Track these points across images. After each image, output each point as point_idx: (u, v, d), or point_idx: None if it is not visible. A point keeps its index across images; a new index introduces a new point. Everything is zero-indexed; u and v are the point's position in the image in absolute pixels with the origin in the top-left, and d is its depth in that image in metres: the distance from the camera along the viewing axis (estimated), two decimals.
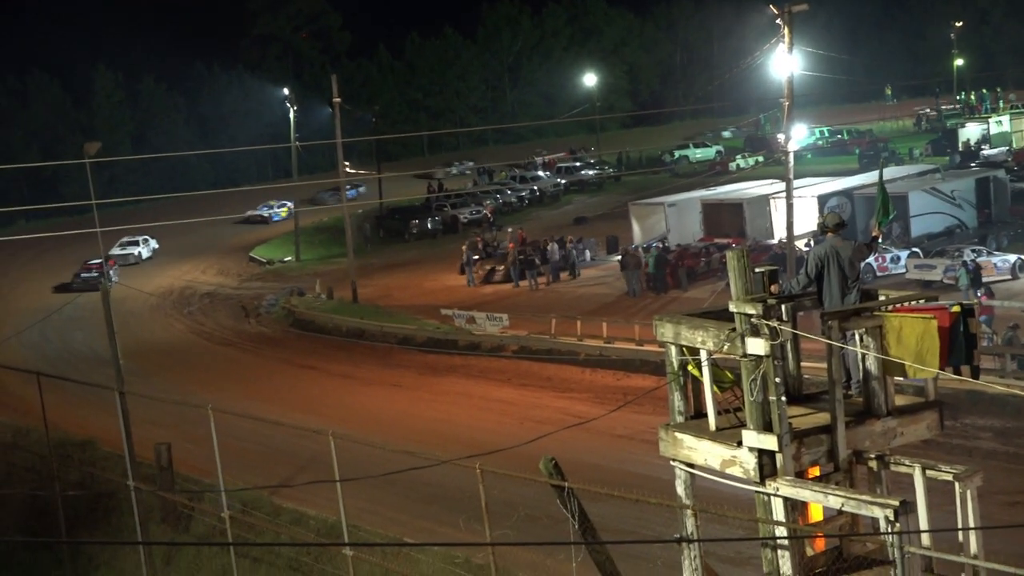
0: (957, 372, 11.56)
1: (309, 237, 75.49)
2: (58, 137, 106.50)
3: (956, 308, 11.46)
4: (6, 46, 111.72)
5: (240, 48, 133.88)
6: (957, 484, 10.69)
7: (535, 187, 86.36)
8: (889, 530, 9.75)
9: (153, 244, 75.50)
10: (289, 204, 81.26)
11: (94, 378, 30.21)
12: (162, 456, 23.80)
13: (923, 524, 10.40)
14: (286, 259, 72.03)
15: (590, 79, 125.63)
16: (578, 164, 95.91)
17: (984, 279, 40.20)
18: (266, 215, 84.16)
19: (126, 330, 34.73)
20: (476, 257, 59.37)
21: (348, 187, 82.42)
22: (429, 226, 75.20)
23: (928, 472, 10.80)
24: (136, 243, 73.38)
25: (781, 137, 45.54)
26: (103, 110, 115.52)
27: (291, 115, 75.62)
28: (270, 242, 77.28)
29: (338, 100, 60.11)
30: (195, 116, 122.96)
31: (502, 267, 56.78)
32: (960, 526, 10.67)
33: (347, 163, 66.57)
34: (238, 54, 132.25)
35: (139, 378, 36.40)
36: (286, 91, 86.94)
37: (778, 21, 38.88)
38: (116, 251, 70.87)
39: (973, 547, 10.64)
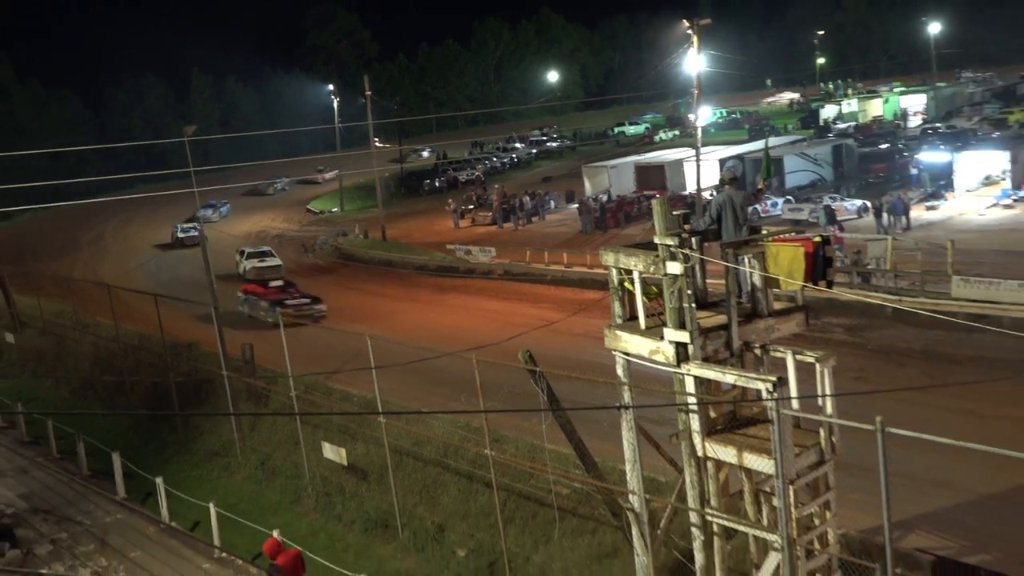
0: (817, 285, 11.57)
1: (350, 193, 74.84)
2: (165, 123, 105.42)
3: (817, 239, 11.42)
4: (127, 56, 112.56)
5: (296, 55, 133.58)
6: (817, 365, 10.74)
7: (514, 155, 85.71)
8: (769, 398, 9.80)
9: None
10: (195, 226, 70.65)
11: (196, 298, 30.01)
12: (246, 353, 23.89)
13: (793, 393, 10.48)
14: (333, 210, 71.50)
15: (553, 76, 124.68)
16: (544, 138, 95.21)
17: (838, 218, 40.29)
18: (194, 234, 68.12)
19: (218, 263, 34.39)
20: (470, 206, 59.36)
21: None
22: (437, 184, 74.71)
23: (797, 356, 10.85)
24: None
25: (692, 117, 45.17)
26: (198, 102, 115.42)
27: (335, 104, 74.73)
28: (322, 197, 76.66)
29: (369, 93, 59.48)
30: (264, 106, 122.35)
31: (487, 213, 56.65)
32: (819, 394, 10.75)
33: (376, 139, 65.98)
34: (295, 60, 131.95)
35: (228, 298, 36.31)
36: (330, 87, 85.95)
37: (689, 31, 38.47)
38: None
39: (829, 409, 10.72)
